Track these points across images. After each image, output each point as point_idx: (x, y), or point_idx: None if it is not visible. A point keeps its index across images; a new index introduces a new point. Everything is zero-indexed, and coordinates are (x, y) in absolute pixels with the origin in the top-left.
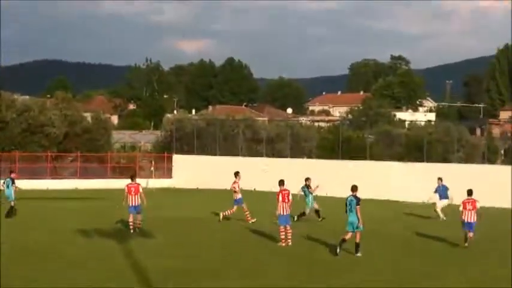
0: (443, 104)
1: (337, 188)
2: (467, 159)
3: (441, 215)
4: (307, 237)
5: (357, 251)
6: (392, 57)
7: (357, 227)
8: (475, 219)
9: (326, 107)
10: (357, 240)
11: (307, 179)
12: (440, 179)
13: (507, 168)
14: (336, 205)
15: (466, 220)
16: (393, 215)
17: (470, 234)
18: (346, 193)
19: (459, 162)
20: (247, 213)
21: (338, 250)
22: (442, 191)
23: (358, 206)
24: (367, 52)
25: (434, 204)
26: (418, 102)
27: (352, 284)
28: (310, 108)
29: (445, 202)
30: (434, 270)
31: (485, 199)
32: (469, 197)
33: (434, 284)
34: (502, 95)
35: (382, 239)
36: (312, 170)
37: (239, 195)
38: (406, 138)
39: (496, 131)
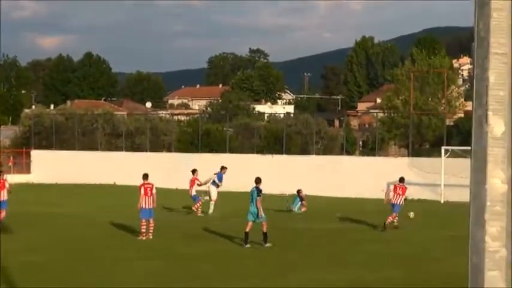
0: (301, 96)
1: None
2: (326, 150)
3: (211, 208)
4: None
5: (265, 242)
6: (251, 51)
7: (258, 217)
8: (401, 203)
9: (185, 100)
10: (264, 230)
11: (299, 191)
12: (224, 167)
13: (364, 158)
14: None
15: (394, 202)
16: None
17: (394, 215)
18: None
19: (318, 153)
20: (197, 205)
21: (246, 244)
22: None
23: (258, 198)
24: (226, 46)
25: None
26: (277, 95)
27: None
28: (170, 101)
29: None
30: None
31: (342, 189)
32: (401, 183)
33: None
34: (359, 87)
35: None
36: (171, 163)
37: (194, 192)
38: (266, 130)
39: (354, 122)
